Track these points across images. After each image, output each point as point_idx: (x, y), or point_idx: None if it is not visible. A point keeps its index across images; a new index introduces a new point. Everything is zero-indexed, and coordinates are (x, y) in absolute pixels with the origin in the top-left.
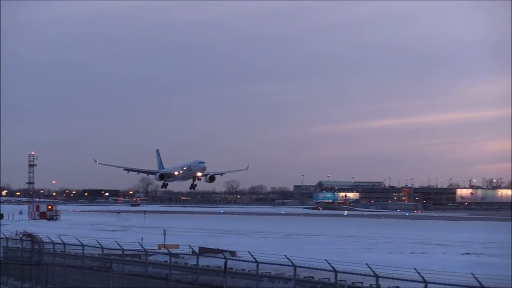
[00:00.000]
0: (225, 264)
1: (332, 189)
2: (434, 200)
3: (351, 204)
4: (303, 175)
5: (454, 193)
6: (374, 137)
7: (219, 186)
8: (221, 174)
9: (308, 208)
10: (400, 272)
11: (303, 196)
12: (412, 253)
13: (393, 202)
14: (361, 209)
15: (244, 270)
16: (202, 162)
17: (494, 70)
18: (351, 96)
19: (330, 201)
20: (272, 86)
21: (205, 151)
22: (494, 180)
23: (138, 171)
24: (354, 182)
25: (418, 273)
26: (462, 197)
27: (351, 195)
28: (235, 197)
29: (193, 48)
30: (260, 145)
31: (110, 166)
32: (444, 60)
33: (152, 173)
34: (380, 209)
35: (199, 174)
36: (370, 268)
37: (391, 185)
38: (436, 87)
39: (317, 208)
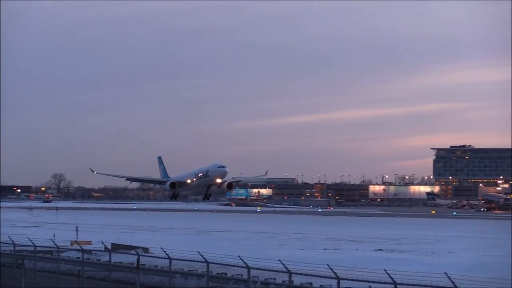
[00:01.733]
0: (138, 260)
1: (245, 185)
2: (347, 196)
3: (264, 200)
4: None
5: (367, 189)
6: (287, 133)
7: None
8: (238, 181)
9: (221, 204)
10: (313, 268)
11: (216, 193)
12: (325, 249)
13: (306, 199)
14: (274, 205)
15: (157, 266)
16: (222, 166)
17: (406, 68)
18: (264, 91)
19: (243, 197)
20: (191, 82)
21: (120, 148)
22: (407, 177)
23: (143, 181)
24: (267, 178)
25: (331, 269)
26: (374, 194)
27: (264, 191)
28: (148, 193)
29: (110, 44)
30: (177, 141)
31: (111, 176)
32: (362, 56)
33: (160, 182)
34: (293, 205)
35: (218, 180)
36: (283, 264)
37: (304, 181)
38: (350, 83)
39: (230, 205)
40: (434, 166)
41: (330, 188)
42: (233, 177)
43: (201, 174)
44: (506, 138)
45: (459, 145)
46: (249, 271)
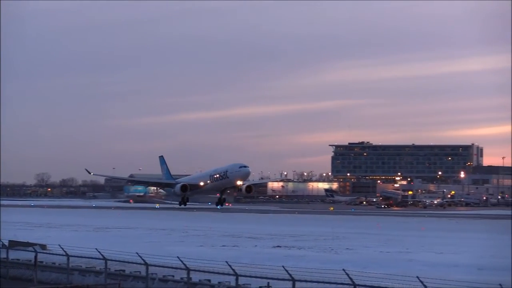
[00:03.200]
0: (35, 257)
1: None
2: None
3: (163, 197)
4: (114, 168)
5: (265, 186)
6: (186, 130)
7: (29, 178)
8: (258, 185)
9: (119, 201)
10: (211, 265)
11: (115, 190)
12: (223, 246)
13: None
14: (172, 202)
15: (54, 263)
16: (244, 166)
17: (303, 65)
18: (164, 88)
19: (141, 194)
20: (100, 77)
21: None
22: (305, 173)
23: (148, 183)
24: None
25: (229, 266)
26: (273, 190)
27: None
28: (46, 190)
29: (15, 35)
30: (77, 137)
31: (110, 177)
32: (260, 53)
33: (168, 185)
34: (193, 201)
35: (238, 182)
36: (181, 261)
37: None
38: (250, 80)
39: (128, 201)
40: (333, 163)
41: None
42: (252, 180)
43: (217, 176)
44: (404, 135)
45: (357, 142)
46: (147, 268)
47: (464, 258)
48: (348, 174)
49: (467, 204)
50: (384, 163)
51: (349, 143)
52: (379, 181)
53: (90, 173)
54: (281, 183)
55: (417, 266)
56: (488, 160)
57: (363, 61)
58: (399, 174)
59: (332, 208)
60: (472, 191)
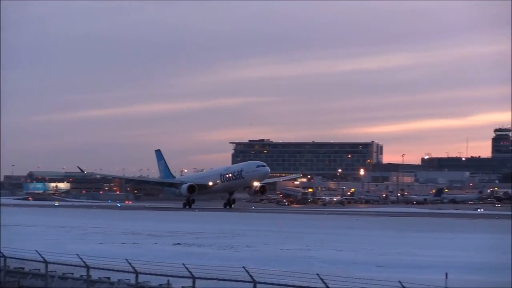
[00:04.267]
0: None
1: (43, 179)
2: (146, 190)
3: (62, 194)
4: (13, 165)
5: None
6: (85, 128)
7: None
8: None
9: (18, 198)
10: (111, 262)
11: (14, 187)
12: (123, 243)
13: (105, 193)
14: (72, 199)
15: None
16: (263, 166)
17: (202, 63)
18: (61, 85)
19: (40, 191)
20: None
21: None
22: (85, 171)
23: (149, 183)
24: (65, 172)
25: (129, 263)
26: None
27: (62, 185)
28: None
29: None
30: None
31: (107, 176)
32: (163, 50)
33: (172, 185)
34: (92, 199)
35: (255, 184)
36: (81, 258)
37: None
38: (152, 77)
39: (27, 199)
40: (233, 160)
41: (129, 182)
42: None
43: (229, 175)
44: (304, 133)
45: (257, 139)
46: (46, 266)
47: (363, 255)
48: None
49: (366, 202)
50: (284, 161)
51: (250, 141)
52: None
53: (83, 171)
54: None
55: (317, 263)
56: (388, 157)
57: (264, 59)
58: (299, 171)
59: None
60: (372, 189)
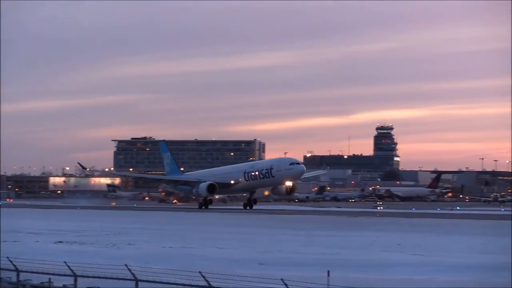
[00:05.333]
0: None
1: None
2: (27, 188)
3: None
4: None
5: (47, 181)
6: None
7: None
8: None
9: None
10: None
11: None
12: (4, 241)
13: None
14: None
15: None
16: (297, 163)
17: (86, 60)
18: None
19: None
20: None
21: None
22: (87, 169)
23: (160, 181)
24: None
25: (11, 261)
26: (55, 185)
27: None
28: None
29: None
30: None
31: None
32: (51, 47)
33: (187, 183)
34: None
35: (288, 183)
36: None
37: None
38: (37, 73)
39: None
40: (115, 158)
41: (10, 180)
42: None
43: (256, 173)
44: (187, 130)
45: (140, 137)
46: None
47: (245, 253)
48: (131, 169)
49: None
50: None
51: (132, 138)
52: None
53: (85, 168)
54: (63, 178)
55: (199, 261)
56: (270, 155)
57: (146, 56)
58: (182, 169)
59: (114, 203)
60: None
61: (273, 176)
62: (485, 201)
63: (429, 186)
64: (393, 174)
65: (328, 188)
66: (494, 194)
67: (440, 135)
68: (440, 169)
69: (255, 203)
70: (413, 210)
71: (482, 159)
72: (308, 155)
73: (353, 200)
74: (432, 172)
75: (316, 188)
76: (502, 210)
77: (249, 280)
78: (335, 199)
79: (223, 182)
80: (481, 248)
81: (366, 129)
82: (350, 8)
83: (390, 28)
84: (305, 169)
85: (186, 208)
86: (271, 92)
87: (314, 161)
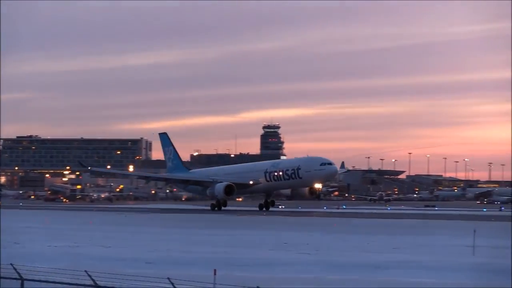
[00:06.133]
0: None
1: None
2: None
3: None
4: None
5: None
6: None
7: None
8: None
9: None
10: None
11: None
12: None
13: None
14: None
15: None
16: (329, 163)
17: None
18: None
19: None
20: None
21: None
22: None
23: (168, 181)
24: None
25: None
26: None
27: None
28: None
29: None
30: None
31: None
32: None
33: (198, 183)
34: None
35: (317, 185)
36: None
37: None
38: None
39: None
40: (1, 157)
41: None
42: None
43: (279, 173)
44: (73, 129)
45: (26, 135)
46: None
47: (132, 252)
48: (16, 168)
49: (136, 198)
50: (52, 157)
51: (17, 137)
52: (47, 175)
53: (89, 167)
54: None
55: (85, 260)
56: (157, 154)
57: (32, 54)
58: (67, 168)
59: None
60: (141, 185)
61: (300, 177)
62: (370, 199)
63: None
64: None
65: None
66: (380, 192)
67: (326, 134)
68: None
69: (273, 205)
70: (299, 209)
71: (368, 157)
72: (195, 154)
73: (240, 199)
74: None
75: None
76: (389, 209)
77: (136, 279)
78: None
79: (240, 182)
80: (367, 246)
81: (253, 128)
82: (233, 7)
83: (273, 28)
84: (337, 169)
85: (74, 207)
86: (158, 90)
87: (201, 160)
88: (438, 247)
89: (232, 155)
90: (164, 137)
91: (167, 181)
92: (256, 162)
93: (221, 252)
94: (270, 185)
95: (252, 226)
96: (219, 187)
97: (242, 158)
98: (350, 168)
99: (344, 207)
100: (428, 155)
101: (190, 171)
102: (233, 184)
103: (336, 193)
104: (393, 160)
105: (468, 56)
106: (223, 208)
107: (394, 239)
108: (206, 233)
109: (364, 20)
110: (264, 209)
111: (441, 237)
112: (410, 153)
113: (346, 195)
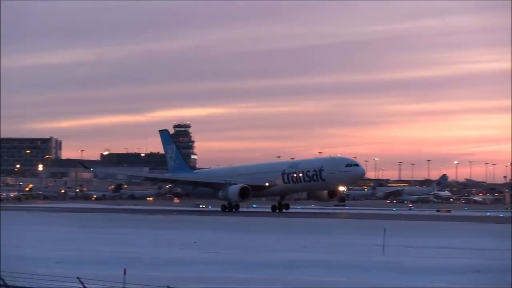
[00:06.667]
0: None
1: None
2: None
3: None
4: None
5: None
6: None
7: None
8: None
9: None
10: None
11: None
12: None
13: None
14: None
15: None
16: (355, 164)
17: None
18: None
19: None
20: None
21: None
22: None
23: (176, 183)
24: None
25: None
26: None
27: None
28: None
29: None
30: None
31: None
32: None
33: (208, 184)
34: None
35: (341, 188)
36: None
37: None
38: None
39: None
40: None
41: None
42: None
43: (299, 175)
44: None
45: None
46: None
47: (41, 251)
48: None
49: (45, 197)
50: None
51: None
52: None
53: (90, 168)
54: None
55: None
56: (67, 153)
57: None
58: None
59: None
60: (51, 184)
61: (323, 180)
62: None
63: None
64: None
65: (125, 186)
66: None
67: (237, 133)
68: None
69: (287, 208)
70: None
71: (279, 157)
72: (105, 153)
73: (150, 199)
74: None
75: (113, 186)
76: (299, 208)
77: (45, 278)
78: (132, 197)
79: (255, 184)
80: (277, 246)
81: (164, 127)
82: (142, 7)
83: (184, 27)
84: (364, 171)
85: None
86: (68, 89)
87: (111, 159)
88: (348, 246)
89: (143, 154)
90: (165, 135)
91: (175, 183)
92: (272, 162)
93: (131, 252)
94: (287, 187)
95: (158, 226)
96: (234, 189)
97: (153, 157)
98: None
99: (255, 206)
100: (338, 154)
101: (195, 171)
102: (248, 187)
103: None
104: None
105: (376, 56)
106: (234, 210)
107: (304, 238)
108: (112, 232)
109: (276, 19)
110: (276, 210)
111: (351, 236)
112: (320, 153)
113: None
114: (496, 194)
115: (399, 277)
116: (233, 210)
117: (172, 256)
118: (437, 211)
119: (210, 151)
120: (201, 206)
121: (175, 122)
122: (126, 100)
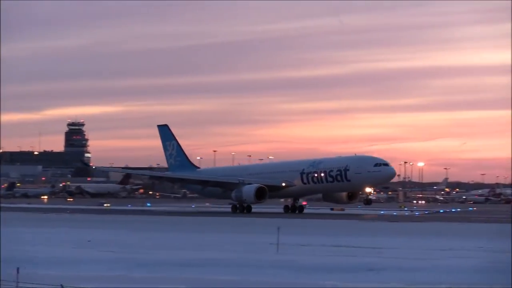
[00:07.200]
0: None
1: None
2: None
3: None
4: None
5: None
6: None
7: None
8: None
9: None
10: None
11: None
12: None
13: None
14: None
15: None
16: (385, 164)
17: None
18: None
19: None
20: None
21: None
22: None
23: (184, 182)
24: None
25: None
26: None
27: None
28: None
29: None
30: None
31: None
32: None
33: (218, 184)
34: None
35: (367, 189)
36: None
37: None
38: None
39: None
40: None
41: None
42: None
43: (321, 174)
44: None
45: None
46: None
47: None
48: None
49: None
50: None
51: None
52: None
53: (87, 165)
54: None
55: None
56: None
57: None
58: None
59: None
60: None
61: (348, 180)
62: (174, 197)
63: (120, 183)
64: (84, 170)
65: (19, 184)
66: (184, 190)
67: (132, 131)
68: (131, 165)
69: (301, 210)
70: (104, 207)
71: None
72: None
73: (45, 197)
74: (124, 168)
75: (6, 185)
76: (193, 206)
77: None
78: (26, 195)
79: (269, 184)
80: (173, 244)
81: (58, 125)
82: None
83: (81, 24)
84: (395, 171)
85: None
86: None
87: (4, 157)
88: (242, 244)
89: (36, 153)
90: (165, 130)
91: (182, 182)
92: (290, 161)
93: (23, 250)
94: (305, 188)
95: (52, 224)
96: (249, 190)
97: (46, 155)
98: (155, 165)
99: (149, 205)
100: (233, 153)
101: (198, 170)
102: (265, 187)
103: (141, 190)
104: (198, 157)
105: (268, 55)
106: (246, 212)
107: (200, 236)
108: (9, 231)
109: (167, 18)
110: (289, 211)
111: (246, 235)
112: (215, 151)
113: (151, 192)
114: (390, 193)
115: (291, 274)
116: (245, 211)
117: (66, 255)
118: (331, 209)
119: (106, 150)
120: (105, 205)
121: (68, 120)
122: (18, 97)
